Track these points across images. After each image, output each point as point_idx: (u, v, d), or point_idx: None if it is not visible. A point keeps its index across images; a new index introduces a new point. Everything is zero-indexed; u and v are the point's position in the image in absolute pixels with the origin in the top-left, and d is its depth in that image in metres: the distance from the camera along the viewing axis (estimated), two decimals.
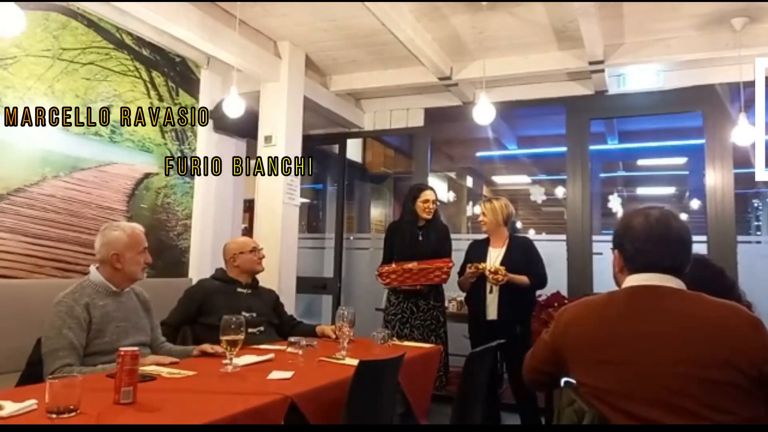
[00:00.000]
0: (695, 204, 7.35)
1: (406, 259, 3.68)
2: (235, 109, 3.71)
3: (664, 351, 1.34)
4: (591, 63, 4.28)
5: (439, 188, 8.92)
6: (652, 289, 1.43)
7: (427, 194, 3.77)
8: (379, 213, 8.10)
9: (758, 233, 8.78)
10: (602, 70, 4.42)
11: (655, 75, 4.65)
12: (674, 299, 1.41)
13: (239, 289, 3.02)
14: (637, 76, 4.69)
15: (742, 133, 3.78)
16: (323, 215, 7.01)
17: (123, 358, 1.60)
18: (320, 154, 6.55)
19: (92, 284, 2.28)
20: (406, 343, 2.98)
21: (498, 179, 9.96)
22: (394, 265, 3.68)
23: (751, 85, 4.32)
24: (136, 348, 1.69)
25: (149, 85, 4.07)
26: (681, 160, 7.58)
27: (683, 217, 1.56)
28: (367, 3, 3.40)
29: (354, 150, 6.66)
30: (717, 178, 4.43)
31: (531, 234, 9.86)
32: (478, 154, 8.18)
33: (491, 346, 2.59)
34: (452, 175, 9.07)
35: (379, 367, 1.98)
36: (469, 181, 9.41)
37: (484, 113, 3.68)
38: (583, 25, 3.68)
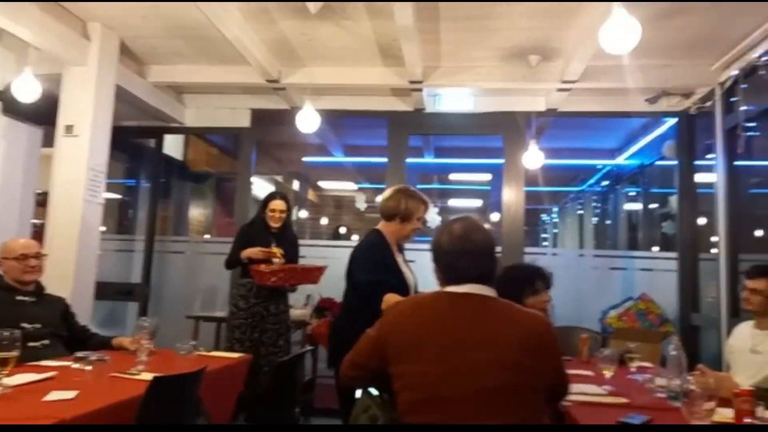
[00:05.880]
0: (495, 217, 8.21)
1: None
2: (28, 92, 3.29)
3: (478, 353, 1.46)
4: (411, 82, 4.55)
5: (265, 191, 8.80)
6: (471, 297, 1.55)
7: (274, 204, 3.87)
8: (199, 214, 7.73)
9: (544, 245, 10.09)
10: (421, 90, 4.72)
11: (467, 98, 5.09)
12: (489, 307, 1.55)
13: (19, 297, 2.64)
14: (452, 97, 5.09)
15: (531, 157, 4.31)
16: (135, 214, 6.48)
17: None
18: (134, 147, 6.05)
19: None
20: (213, 353, 2.86)
21: (324, 185, 10.12)
22: (267, 266, 3.68)
23: (542, 114, 4.95)
24: None
25: None
26: (487, 177, 8.39)
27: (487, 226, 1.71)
28: None
29: (174, 146, 6.27)
30: (511, 195, 4.98)
31: (354, 239, 10.19)
32: (305, 159, 8.22)
33: (302, 353, 2.61)
34: (279, 178, 9.00)
35: (177, 382, 1.87)
36: (296, 185, 9.42)
37: (308, 121, 3.70)
38: (404, 45, 3.90)
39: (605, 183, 7.99)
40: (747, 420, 1.75)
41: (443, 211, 9.44)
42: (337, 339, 2.77)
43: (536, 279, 2.53)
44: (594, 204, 8.70)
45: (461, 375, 1.45)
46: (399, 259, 2.82)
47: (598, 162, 7.26)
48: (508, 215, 4.97)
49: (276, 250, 3.74)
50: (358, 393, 1.73)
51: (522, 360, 1.46)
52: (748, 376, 2.68)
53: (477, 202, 10.10)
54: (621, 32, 2.54)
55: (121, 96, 4.35)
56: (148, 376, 1.92)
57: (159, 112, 5.10)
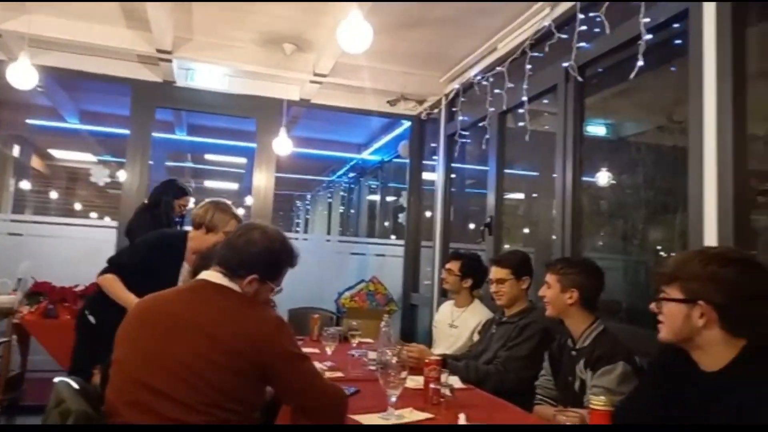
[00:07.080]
0: (249, 200, 8.20)
1: None
2: None
3: (186, 342, 1.49)
4: (159, 51, 4.23)
5: None
6: (206, 288, 1.62)
7: (187, 199, 3.98)
8: None
9: (297, 230, 10.42)
10: (170, 61, 4.43)
11: (221, 77, 4.92)
12: (213, 298, 1.59)
13: None
14: (206, 74, 4.87)
15: (280, 144, 4.39)
16: None
17: None
18: None
19: None
20: None
21: (57, 153, 8.87)
22: None
23: (295, 104, 5.07)
24: None
25: None
26: (243, 160, 8.28)
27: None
28: None
29: None
30: (262, 179, 5.00)
31: (93, 217, 9.16)
32: (30, 121, 7.08)
33: None
34: None
35: None
36: (17, 151, 8.04)
37: (22, 76, 3.19)
38: (150, 10, 3.60)
39: (352, 175, 8.59)
40: (432, 386, 2.06)
41: (197, 191, 9.05)
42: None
43: None
44: (342, 193, 9.28)
45: (159, 361, 1.49)
46: (185, 268, 2.83)
47: (347, 155, 7.75)
48: (258, 199, 5.00)
49: None
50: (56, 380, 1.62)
51: (232, 348, 1.50)
52: (446, 347, 3.16)
53: (233, 185, 9.91)
54: (355, 34, 2.74)
55: None
56: None
57: None
